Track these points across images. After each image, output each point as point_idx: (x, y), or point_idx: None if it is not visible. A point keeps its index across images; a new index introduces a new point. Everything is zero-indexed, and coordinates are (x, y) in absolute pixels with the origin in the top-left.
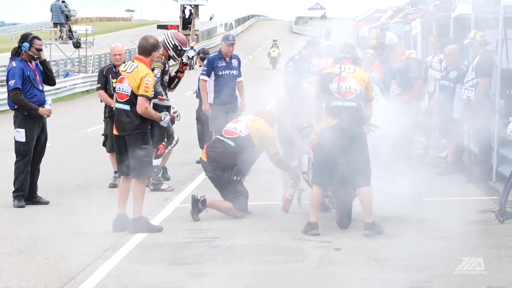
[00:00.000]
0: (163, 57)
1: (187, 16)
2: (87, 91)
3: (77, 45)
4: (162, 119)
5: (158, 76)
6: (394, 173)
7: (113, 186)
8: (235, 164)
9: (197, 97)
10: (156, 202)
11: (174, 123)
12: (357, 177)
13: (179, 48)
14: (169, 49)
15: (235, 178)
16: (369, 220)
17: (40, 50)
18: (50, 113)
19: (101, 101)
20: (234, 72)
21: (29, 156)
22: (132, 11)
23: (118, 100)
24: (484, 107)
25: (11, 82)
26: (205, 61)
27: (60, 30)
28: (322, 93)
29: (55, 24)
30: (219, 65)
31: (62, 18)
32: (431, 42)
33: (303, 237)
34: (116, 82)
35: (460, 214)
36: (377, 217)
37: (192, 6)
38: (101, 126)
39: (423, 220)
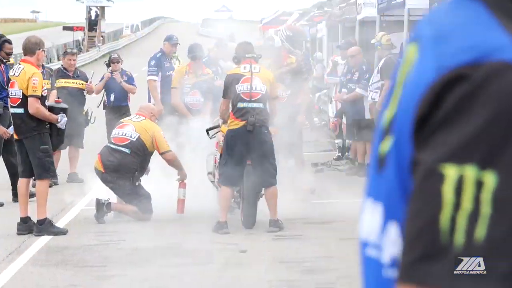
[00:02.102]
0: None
1: (93, 18)
2: None
3: None
4: (59, 120)
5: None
6: (294, 174)
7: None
8: (135, 169)
9: None
10: (61, 204)
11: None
12: (263, 177)
13: (293, 37)
14: (283, 42)
15: (136, 184)
16: (274, 218)
17: (10, 54)
18: (5, 136)
19: None
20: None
21: None
22: (38, 12)
23: (12, 105)
24: None
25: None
26: (153, 61)
27: None
28: (228, 94)
29: None
30: (165, 65)
31: None
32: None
33: (209, 239)
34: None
35: None
36: (283, 219)
37: (98, 7)
38: None
39: (328, 221)
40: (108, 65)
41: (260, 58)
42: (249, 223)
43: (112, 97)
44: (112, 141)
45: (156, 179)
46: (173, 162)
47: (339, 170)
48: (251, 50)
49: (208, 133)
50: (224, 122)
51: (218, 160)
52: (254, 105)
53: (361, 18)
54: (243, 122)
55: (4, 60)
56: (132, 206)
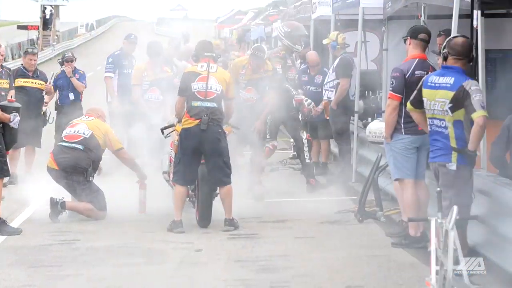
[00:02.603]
0: (282, 52)
1: (47, 17)
2: None
3: None
4: (11, 120)
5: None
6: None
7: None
8: (89, 165)
9: None
10: (16, 204)
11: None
12: (218, 176)
13: (291, 33)
14: (282, 39)
15: (90, 179)
16: (229, 217)
17: None
18: None
19: None
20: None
21: None
22: None
23: None
24: (344, 108)
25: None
26: (110, 59)
27: None
28: (184, 92)
29: None
30: (124, 63)
31: None
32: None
33: (164, 239)
34: None
35: (320, 214)
36: (238, 217)
37: (53, 6)
38: None
39: (283, 220)
40: (62, 64)
41: (220, 58)
42: (204, 222)
43: (71, 96)
44: (64, 139)
45: (110, 179)
46: (127, 160)
47: (294, 169)
48: (210, 49)
49: (163, 132)
50: (179, 121)
51: (173, 159)
52: (208, 104)
53: (316, 17)
54: (197, 121)
55: None
56: (86, 204)
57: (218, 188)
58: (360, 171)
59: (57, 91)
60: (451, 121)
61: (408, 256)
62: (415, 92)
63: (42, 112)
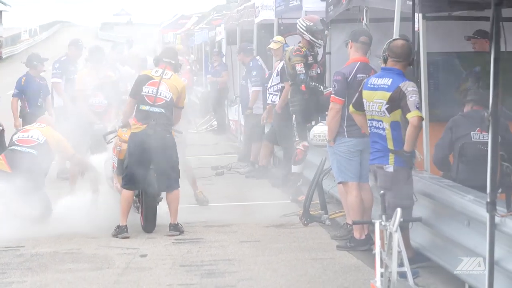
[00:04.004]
0: (303, 49)
1: None
2: None
3: None
4: None
5: (303, 71)
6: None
7: None
8: (41, 171)
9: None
10: None
11: None
12: (165, 181)
13: (313, 27)
14: (303, 34)
15: (40, 185)
16: (174, 222)
17: None
18: None
19: None
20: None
21: None
22: None
23: None
24: (289, 111)
25: None
26: (57, 64)
27: None
28: (135, 94)
29: None
30: (70, 69)
31: None
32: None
33: (108, 244)
34: None
35: (265, 218)
36: (182, 222)
37: None
38: None
39: (227, 224)
40: (30, 66)
41: (180, 67)
42: (149, 227)
43: (39, 102)
44: (17, 143)
45: (57, 185)
46: (82, 165)
47: (240, 173)
48: (171, 56)
49: (105, 138)
50: (124, 126)
51: (116, 165)
52: (156, 109)
53: (259, 21)
54: (144, 126)
55: None
56: (30, 208)
57: (162, 193)
58: (304, 174)
59: (22, 97)
60: (388, 122)
61: (353, 259)
62: (357, 94)
63: None
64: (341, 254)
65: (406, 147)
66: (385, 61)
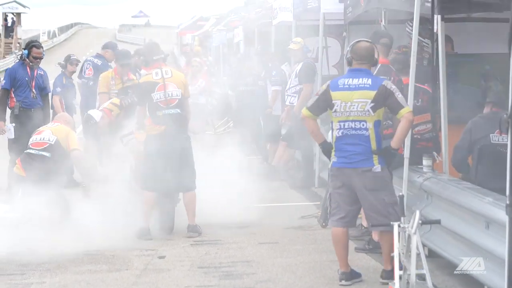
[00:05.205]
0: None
1: (9, 24)
2: None
3: None
4: None
5: None
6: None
7: None
8: (56, 172)
9: None
10: None
11: None
12: (182, 182)
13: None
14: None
15: (60, 188)
16: (192, 223)
17: (37, 58)
18: (1, 132)
19: None
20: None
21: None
22: None
23: None
24: None
25: (2, 82)
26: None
27: None
28: (144, 102)
29: None
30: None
31: None
32: None
33: (128, 246)
34: None
35: (283, 220)
36: (201, 224)
37: (14, 14)
38: None
39: (246, 226)
40: (65, 67)
41: (168, 56)
42: (167, 228)
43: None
44: (31, 147)
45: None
46: (80, 163)
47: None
48: (158, 52)
49: (122, 140)
50: (140, 128)
51: (133, 167)
52: (172, 111)
53: (276, 23)
54: (162, 128)
55: (31, 64)
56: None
57: (181, 194)
58: (323, 176)
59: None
60: (372, 121)
61: (371, 261)
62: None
63: None
64: (360, 256)
65: (396, 144)
66: (349, 63)
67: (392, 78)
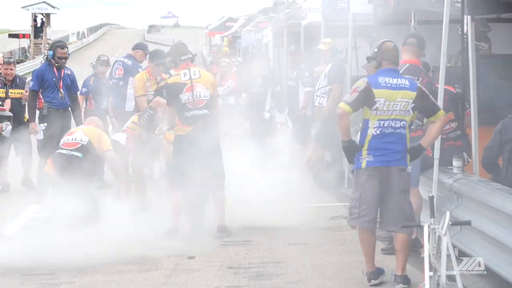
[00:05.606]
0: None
1: (39, 25)
2: None
3: None
4: (4, 129)
5: None
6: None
7: None
8: (89, 173)
9: None
10: (8, 212)
11: None
12: (212, 182)
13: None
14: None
15: (91, 188)
16: (222, 224)
17: (62, 58)
18: (34, 132)
19: None
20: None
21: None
22: None
23: None
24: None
25: (30, 84)
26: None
27: None
28: (173, 102)
29: None
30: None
31: None
32: None
33: (157, 246)
34: None
35: (312, 221)
36: (230, 224)
37: (44, 14)
38: None
39: (275, 227)
40: (95, 67)
41: (195, 56)
42: (197, 228)
43: (104, 104)
44: (63, 147)
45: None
46: (113, 163)
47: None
48: (186, 52)
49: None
50: (170, 128)
51: (164, 167)
52: (200, 112)
53: (306, 24)
54: (190, 128)
55: (57, 64)
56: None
57: (211, 194)
58: (351, 177)
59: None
60: (409, 121)
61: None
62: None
63: (25, 119)
64: (390, 257)
65: (427, 144)
66: (379, 64)
67: (420, 78)
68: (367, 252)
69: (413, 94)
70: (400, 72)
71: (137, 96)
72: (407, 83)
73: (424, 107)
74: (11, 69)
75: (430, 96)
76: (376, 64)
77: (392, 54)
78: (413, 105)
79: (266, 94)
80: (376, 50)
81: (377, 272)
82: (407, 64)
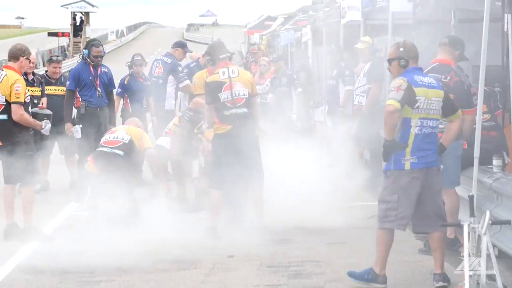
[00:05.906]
0: None
1: (78, 24)
2: None
3: None
4: (43, 127)
5: None
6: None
7: None
8: (129, 171)
9: None
10: (48, 210)
11: None
12: (250, 181)
13: None
14: None
15: (130, 186)
16: (260, 222)
17: (97, 56)
18: (69, 133)
19: None
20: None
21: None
22: (22, 18)
23: None
24: (376, 112)
25: (67, 84)
26: (185, 69)
27: None
28: (212, 101)
29: None
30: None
31: None
32: None
33: (196, 244)
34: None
35: (351, 220)
36: (268, 222)
37: (83, 13)
38: None
39: (315, 226)
40: (131, 67)
41: (234, 54)
42: (236, 227)
43: (144, 103)
44: (104, 145)
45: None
46: (154, 161)
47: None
48: (224, 50)
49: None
50: (209, 126)
51: (202, 165)
52: (239, 110)
53: (345, 22)
54: (229, 127)
55: (93, 63)
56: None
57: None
58: None
59: (125, 96)
60: (440, 120)
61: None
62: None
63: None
64: (429, 257)
65: (448, 143)
66: (406, 63)
67: (449, 77)
68: (386, 256)
69: (442, 92)
70: (425, 71)
71: (196, 95)
72: (434, 81)
73: (446, 106)
74: (59, 68)
75: (450, 95)
76: (404, 63)
77: (416, 52)
78: (442, 104)
79: (291, 94)
80: (402, 49)
81: (386, 277)
82: (435, 64)
